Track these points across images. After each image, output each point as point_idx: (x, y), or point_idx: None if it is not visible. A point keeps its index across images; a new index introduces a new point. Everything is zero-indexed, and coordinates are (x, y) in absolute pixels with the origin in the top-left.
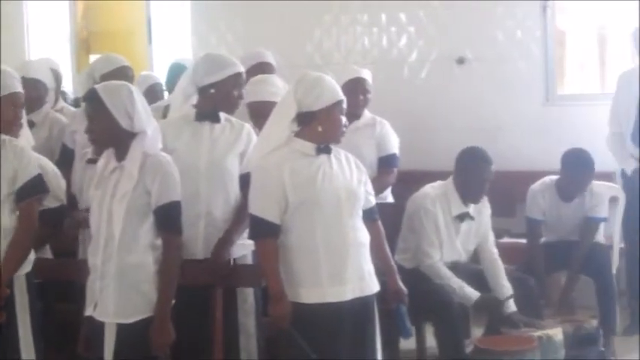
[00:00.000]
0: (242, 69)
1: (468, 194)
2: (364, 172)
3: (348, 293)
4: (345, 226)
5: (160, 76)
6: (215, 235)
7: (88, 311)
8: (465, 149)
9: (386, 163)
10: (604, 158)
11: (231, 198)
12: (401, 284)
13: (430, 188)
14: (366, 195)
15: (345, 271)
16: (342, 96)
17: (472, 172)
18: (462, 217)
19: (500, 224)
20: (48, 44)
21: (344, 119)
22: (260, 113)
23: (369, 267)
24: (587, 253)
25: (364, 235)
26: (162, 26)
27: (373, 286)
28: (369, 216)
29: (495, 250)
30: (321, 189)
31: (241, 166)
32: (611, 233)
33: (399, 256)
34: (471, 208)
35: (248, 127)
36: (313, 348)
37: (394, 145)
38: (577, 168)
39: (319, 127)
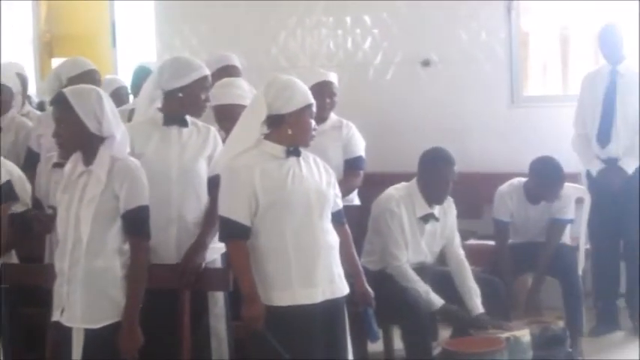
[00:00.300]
0: (208, 72)
1: (432, 195)
2: (332, 174)
3: (318, 295)
4: (315, 229)
5: (125, 79)
6: (187, 239)
7: (55, 316)
8: (428, 150)
9: (352, 165)
10: (569, 159)
11: (202, 202)
12: (368, 287)
13: (394, 190)
14: (334, 198)
15: (316, 273)
16: (312, 100)
17: (435, 173)
18: (427, 219)
19: (466, 226)
20: (10, 47)
21: (313, 123)
22: (227, 116)
23: (338, 269)
24: (553, 255)
25: (334, 238)
26: (126, 29)
27: (343, 289)
28: (336, 219)
29: (462, 252)
30: (291, 191)
31: (209, 169)
32: (577, 234)
33: (365, 259)
34: (436, 210)
35: (214, 130)
36: (286, 350)
37: (360, 148)
38: (547, 177)
39: (289, 130)
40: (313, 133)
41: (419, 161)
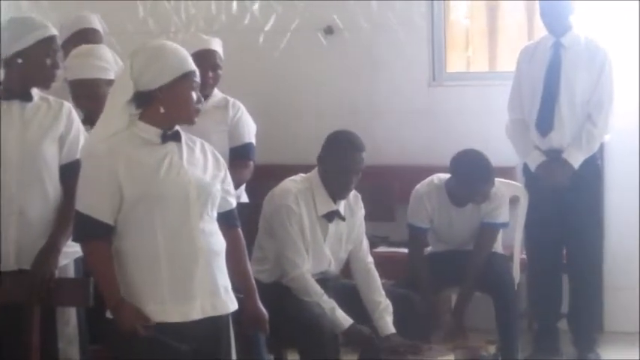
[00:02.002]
0: (54, 32)
1: (333, 187)
2: (223, 165)
3: (195, 312)
4: (193, 230)
5: None
6: (30, 241)
7: None
8: (331, 134)
9: (240, 154)
10: (502, 150)
11: (50, 193)
12: (261, 307)
13: (291, 183)
14: (225, 194)
15: (193, 285)
16: (190, 66)
17: (339, 161)
18: (330, 217)
19: (376, 230)
20: None
21: (195, 95)
22: (85, 93)
23: (224, 281)
24: (483, 266)
25: (218, 242)
26: None
27: (229, 305)
28: (226, 221)
29: (370, 259)
30: (164, 183)
31: (62, 153)
32: (510, 241)
33: (256, 268)
34: (341, 206)
35: (68, 105)
36: None
37: (250, 133)
38: (471, 176)
39: (161, 109)
40: (197, 107)
41: (322, 147)
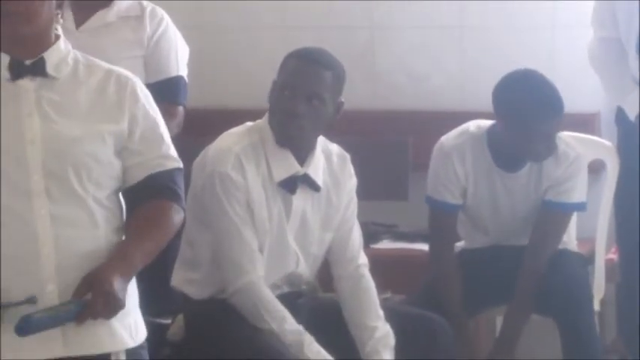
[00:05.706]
0: None
1: (275, 123)
2: (135, 112)
3: (38, 349)
4: (34, 216)
5: None
6: None
7: None
8: (288, 54)
9: (164, 93)
10: (577, 88)
11: None
12: (115, 286)
13: (232, 138)
14: (138, 157)
15: (34, 305)
16: None
17: (282, 79)
18: (293, 185)
19: (377, 214)
20: None
21: None
22: None
23: None
24: (544, 272)
25: (92, 239)
26: None
27: (106, 340)
28: (151, 192)
29: (363, 260)
30: None
31: None
32: (590, 233)
33: (182, 276)
34: (315, 170)
35: None
36: None
37: (179, 61)
38: (529, 109)
39: None
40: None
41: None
